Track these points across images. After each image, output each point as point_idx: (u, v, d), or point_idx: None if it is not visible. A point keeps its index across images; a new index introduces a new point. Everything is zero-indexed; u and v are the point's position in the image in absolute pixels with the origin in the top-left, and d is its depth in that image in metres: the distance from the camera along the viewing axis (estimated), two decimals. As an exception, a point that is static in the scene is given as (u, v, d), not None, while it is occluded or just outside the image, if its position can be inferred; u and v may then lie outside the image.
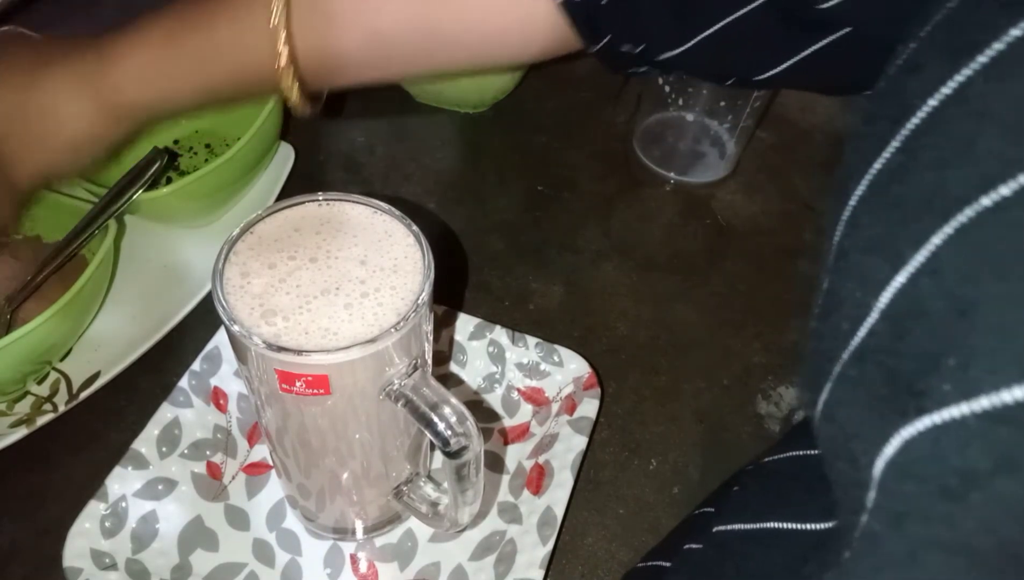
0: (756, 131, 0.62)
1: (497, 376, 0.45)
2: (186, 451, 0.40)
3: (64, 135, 0.39)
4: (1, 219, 0.42)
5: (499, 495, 0.40)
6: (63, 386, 0.42)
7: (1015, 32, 0.17)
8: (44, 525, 0.38)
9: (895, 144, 0.19)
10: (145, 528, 0.37)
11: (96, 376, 0.42)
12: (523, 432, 0.43)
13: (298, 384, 0.27)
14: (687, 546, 0.32)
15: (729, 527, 0.29)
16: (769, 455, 0.32)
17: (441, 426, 0.28)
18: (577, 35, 0.38)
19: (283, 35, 0.36)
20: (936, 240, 0.17)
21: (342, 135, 0.60)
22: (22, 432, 0.40)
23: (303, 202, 0.31)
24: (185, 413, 0.41)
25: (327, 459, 0.33)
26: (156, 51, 0.38)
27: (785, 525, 0.27)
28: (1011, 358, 0.15)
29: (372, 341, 0.27)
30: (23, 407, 0.42)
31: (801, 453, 0.30)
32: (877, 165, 0.20)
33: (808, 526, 0.26)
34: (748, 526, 0.28)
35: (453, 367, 0.45)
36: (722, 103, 0.55)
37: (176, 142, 0.55)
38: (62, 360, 0.44)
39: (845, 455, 0.19)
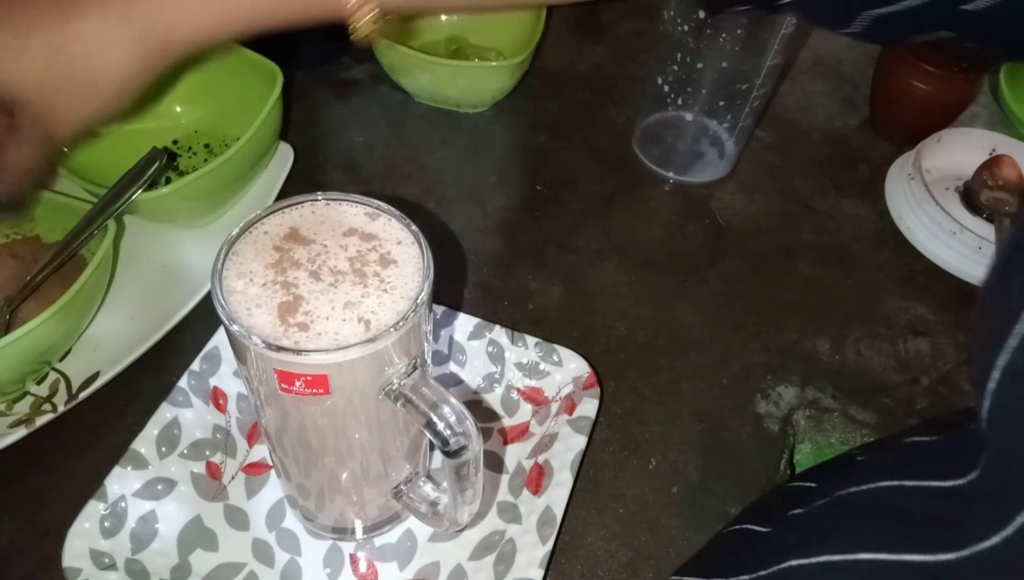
0: (755, 131, 0.62)
1: (496, 376, 0.45)
2: (185, 451, 0.40)
3: (109, 77, 0.37)
4: (40, 174, 0.40)
5: (499, 495, 0.40)
6: (62, 386, 0.42)
7: None
8: (44, 525, 0.38)
9: None
10: (144, 528, 0.37)
11: (95, 376, 0.42)
12: (522, 432, 0.43)
13: (297, 384, 0.27)
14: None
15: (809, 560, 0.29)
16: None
17: (440, 426, 0.28)
18: None
19: None
20: None
21: (341, 135, 0.60)
22: (22, 432, 0.40)
23: (302, 202, 0.31)
24: (184, 413, 0.41)
25: (327, 459, 0.33)
26: None
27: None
28: None
29: (371, 341, 0.27)
30: (23, 407, 0.42)
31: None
32: None
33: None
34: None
35: (453, 367, 0.45)
36: (721, 103, 0.55)
37: (176, 142, 0.55)
38: (62, 360, 0.44)
39: None
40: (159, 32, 0.37)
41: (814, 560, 0.28)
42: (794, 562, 0.29)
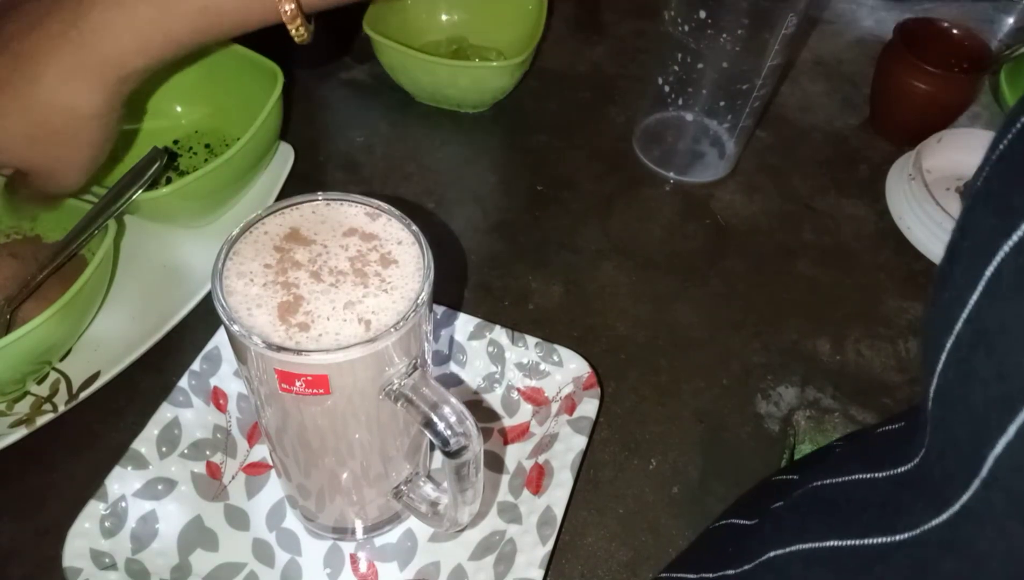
0: (755, 131, 0.62)
1: (497, 376, 0.45)
2: (186, 451, 0.40)
3: (85, 119, 0.39)
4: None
5: (499, 495, 0.40)
6: (63, 386, 0.42)
7: None
8: (44, 525, 0.38)
9: None
10: (145, 528, 0.37)
11: (96, 376, 0.42)
12: (523, 432, 0.43)
13: (298, 384, 0.27)
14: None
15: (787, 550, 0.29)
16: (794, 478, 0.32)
17: (441, 426, 0.28)
18: None
19: None
20: None
21: (342, 135, 0.60)
22: (22, 432, 0.40)
23: (303, 202, 0.31)
24: (185, 413, 0.41)
25: (327, 459, 0.33)
26: (150, 14, 0.38)
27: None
28: None
29: (372, 341, 0.27)
30: (23, 407, 0.42)
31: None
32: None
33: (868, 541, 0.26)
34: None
35: (453, 367, 0.45)
36: (721, 103, 0.55)
37: (176, 142, 0.55)
38: (62, 360, 0.44)
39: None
40: (112, 65, 0.38)
41: (789, 550, 0.29)
42: (772, 553, 0.29)
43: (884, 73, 0.62)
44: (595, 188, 0.58)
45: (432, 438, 0.29)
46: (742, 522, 0.35)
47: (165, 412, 0.40)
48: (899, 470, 0.26)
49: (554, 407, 0.43)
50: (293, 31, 0.41)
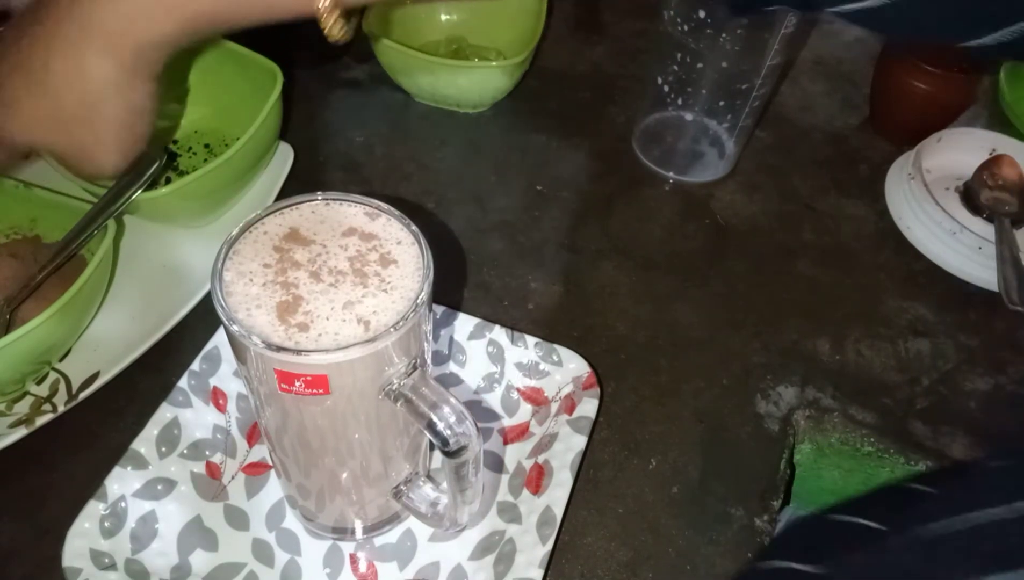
0: (755, 131, 0.62)
1: (496, 376, 0.45)
2: (185, 451, 0.40)
3: (96, 91, 0.38)
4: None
5: (498, 495, 0.40)
6: (62, 386, 0.42)
7: None
8: (44, 525, 0.38)
9: None
10: (144, 528, 0.37)
11: (95, 376, 0.42)
12: (522, 432, 0.43)
13: (297, 384, 0.27)
14: None
15: None
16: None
17: (440, 426, 0.28)
18: None
19: None
20: None
21: (341, 135, 0.60)
22: (22, 432, 0.40)
23: (302, 202, 0.31)
24: (184, 413, 0.41)
25: (326, 459, 0.33)
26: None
27: None
28: None
29: (371, 341, 0.27)
30: (23, 407, 0.42)
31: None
32: None
33: None
34: None
35: (453, 367, 0.45)
36: (721, 103, 0.55)
37: (176, 142, 0.55)
38: (61, 360, 0.44)
39: None
40: (118, 32, 0.37)
41: None
42: None
43: (884, 73, 0.62)
44: (595, 188, 0.58)
45: (432, 438, 0.29)
46: (803, 567, 0.33)
47: (165, 412, 0.40)
48: None
49: (554, 407, 0.43)
50: (327, 29, 0.38)
